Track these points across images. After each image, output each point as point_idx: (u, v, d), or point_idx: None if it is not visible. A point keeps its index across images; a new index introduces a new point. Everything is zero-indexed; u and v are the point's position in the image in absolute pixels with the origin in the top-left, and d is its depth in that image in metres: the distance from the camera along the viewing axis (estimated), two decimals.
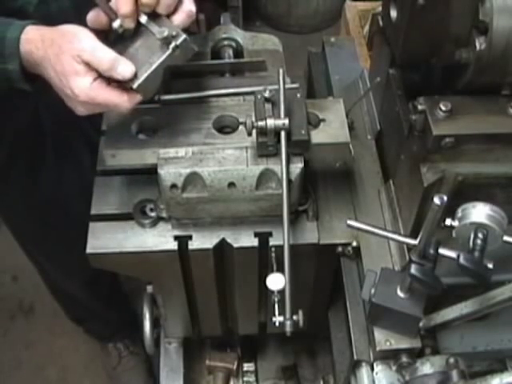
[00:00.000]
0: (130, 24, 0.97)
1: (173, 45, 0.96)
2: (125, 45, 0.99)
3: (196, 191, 1.07)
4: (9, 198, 1.51)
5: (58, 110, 1.36)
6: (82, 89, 0.95)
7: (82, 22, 1.23)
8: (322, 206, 1.20)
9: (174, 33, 0.96)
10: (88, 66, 0.94)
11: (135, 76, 0.95)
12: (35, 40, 0.98)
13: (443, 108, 0.96)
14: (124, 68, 0.95)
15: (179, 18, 1.00)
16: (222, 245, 1.14)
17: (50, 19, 1.17)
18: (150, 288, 1.40)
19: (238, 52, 1.36)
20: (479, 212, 0.90)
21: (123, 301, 2.17)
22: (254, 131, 1.02)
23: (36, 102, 1.34)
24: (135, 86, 0.96)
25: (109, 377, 2.26)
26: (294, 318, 1.00)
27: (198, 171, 1.04)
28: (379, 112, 1.30)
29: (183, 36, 0.97)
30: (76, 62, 0.93)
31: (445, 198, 0.82)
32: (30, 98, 1.29)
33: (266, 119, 1.01)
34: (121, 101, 0.97)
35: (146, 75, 0.96)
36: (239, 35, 1.35)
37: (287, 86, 1.09)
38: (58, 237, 1.61)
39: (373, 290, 1.01)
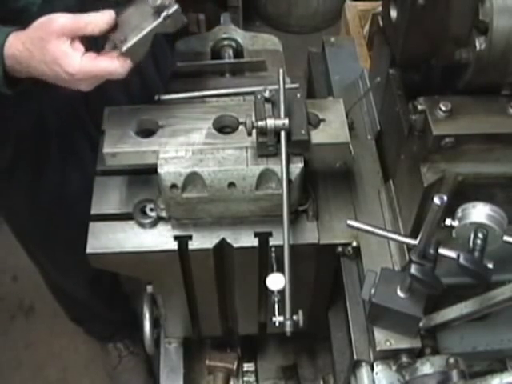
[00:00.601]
0: None
1: (164, 14, 0.99)
2: (119, 11, 1.01)
3: (196, 191, 1.07)
4: (12, 198, 1.51)
5: (61, 110, 1.37)
6: (75, 66, 0.97)
7: None
8: (322, 206, 1.20)
9: (166, 2, 0.98)
10: (73, 42, 0.97)
11: (125, 40, 0.98)
12: (15, 44, 1.00)
13: (443, 108, 0.96)
14: (104, 18, 0.98)
15: None
16: (222, 245, 1.14)
17: None
18: (149, 288, 1.39)
19: (238, 52, 1.36)
20: (479, 212, 0.90)
21: (123, 301, 2.17)
22: (254, 131, 1.02)
23: (40, 103, 1.34)
24: (124, 49, 0.98)
25: (109, 377, 2.26)
26: (294, 318, 1.00)
27: (198, 171, 1.04)
28: (379, 112, 1.30)
29: (175, 6, 0.99)
30: (62, 42, 0.96)
31: (445, 198, 0.82)
32: (34, 99, 1.29)
33: (266, 119, 1.01)
34: (114, 67, 0.99)
35: (134, 40, 0.99)
36: (239, 35, 1.35)
37: (287, 86, 1.09)
38: (59, 237, 1.61)
39: (373, 290, 1.01)
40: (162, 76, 1.49)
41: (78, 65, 0.97)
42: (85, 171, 1.35)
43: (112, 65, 0.99)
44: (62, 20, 0.97)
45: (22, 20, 1.07)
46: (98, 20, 0.98)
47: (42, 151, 1.42)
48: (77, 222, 1.20)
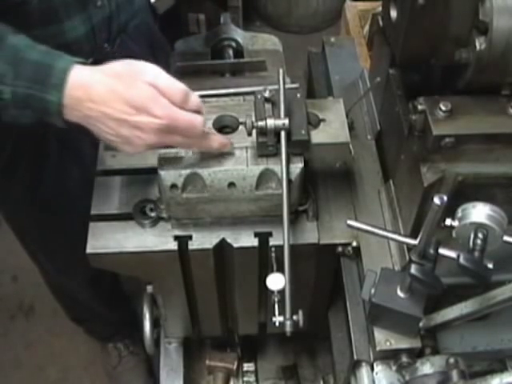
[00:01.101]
0: None
1: None
2: None
3: (196, 191, 1.07)
4: (12, 195, 1.51)
5: None
6: (164, 108, 0.91)
7: (87, 14, 1.22)
8: (322, 206, 1.20)
9: None
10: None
11: None
12: (94, 76, 0.92)
13: (443, 108, 0.96)
14: (195, 99, 0.95)
15: None
16: (222, 245, 1.14)
17: (54, 12, 1.17)
18: (149, 288, 1.39)
19: (238, 52, 1.36)
20: (479, 212, 0.90)
21: (124, 301, 2.17)
22: (254, 131, 1.02)
23: None
24: None
25: (109, 377, 2.26)
26: (294, 318, 1.00)
27: (198, 171, 1.04)
28: (379, 112, 1.30)
29: None
30: (151, 86, 0.91)
31: (445, 198, 0.82)
32: None
33: (266, 119, 1.01)
34: (197, 122, 0.94)
35: None
36: (239, 35, 1.35)
37: (287, 86, 1.09)
38: (59, 235, 1.60)
39: (373, 290, 1.01)
40: (159, 66, 1.49)
41: (168, 108, 0.91)
42: (84, 167, 1.34)
43: (196, 119, 0.95)
44: (158, 73, 0.93)
45: (21, 13, 1.06)
46: (191, 103, 0.94)
47: (41, 147, 1.42)
48: (76, 220, 1.20)
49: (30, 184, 1.46)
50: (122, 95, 0.90)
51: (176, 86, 0.94)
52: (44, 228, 1.59)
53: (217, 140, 1.02)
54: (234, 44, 1.36)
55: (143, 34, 1.47)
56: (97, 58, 1.31)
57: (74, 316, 2.19)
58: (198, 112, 0.96)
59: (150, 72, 0.93)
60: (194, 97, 0.96)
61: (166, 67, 1.43)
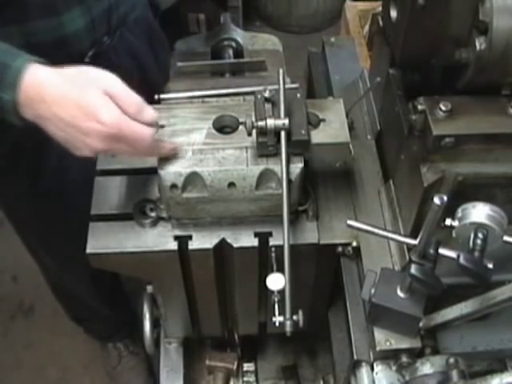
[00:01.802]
0: None
1: None
2: None
3: (196, 191, 1.07)
4: (13, 190, 1.50)
5: None
6: (114, 117, 0.90)
7: (86, 6, 1.21)
8: (322, 206, 1.20)
9: None
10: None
11: None
12: (49, 77, 0.92)
13: (443, 108, 0.96)
14: (150, 113, 0.95)
15: None
16: (222, 245, 1.14)
17: (53, 4, 1.16)
18: (149, 288, 1.39)
19: (238, 52, 1.36)
20: (479, 212, 0.90)
21: (124, 300, 2.17)
22: (254, 131, 1.02)
23: None
24: None
25: (109, 377, 2.26)
26: (294, 318, 1.00)
27: (198, 171, 1.04)
28: (379, 112, 1.30)
29: None
30: (104, 93, 0.91)
31: (445, 198, 0.82)
32: None
33: (266, 119, 1.00)
34: (146, 135, 0.94)
35: None
36: (239, 35, 1.35)
37: (287, 86, 1.09)
38: (59, 230, 1.60)
39: (373, 290, 1.01)
40: (161, 69, 1.49)
41: (117, 116, 0.91)
42: (86, 161, 1.35)
43: (144, 130, 0.94)
44: (114, 81, 0.93)
45: (19, 5, 1.06)
46: (145, 116, 0.94)
47: (43, 138, 1.42)
48: (77, 216, 1.20)
49: (30, 173, 1.45)
50: (73, 100, 0.91)
51: (131, 97, 0.94)
52: (44, 223, 1.59)
53: (165, 147, 1.03)
54: (234, 44, 1.36)
55: (142, 28, 1.47)
56: (97, 51, 1.31)
57: (74, 315, 2.19)
58: (151, 125, 0.96)
59: (106, 80, 0.93)
60: (150, 110, 0.96)
61: (165, 62, 1.43)
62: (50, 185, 1.47)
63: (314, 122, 1.09)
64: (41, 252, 1.76)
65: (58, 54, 1.15)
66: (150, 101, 1.22)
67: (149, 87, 1.19)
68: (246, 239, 1.14)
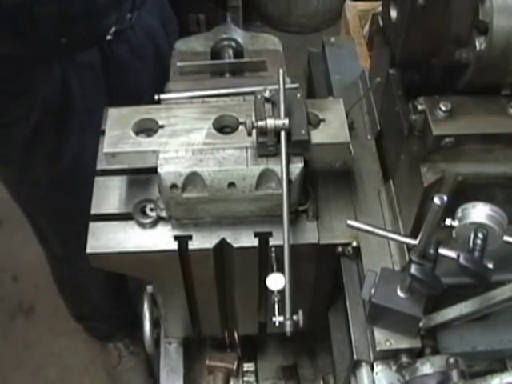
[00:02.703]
0: None
1: None
2: None
3: (196, 191, 1.07)
4: (31, 173, 1.51)
5: (85, 76, 1.37)
6: None
7: None
8: (322, 206, 1.20)
9: None
10: None
11: None
12: None
13: (443, 108, 0.96)
14: None
15: None
16: (222, 245, 1.14)
17: None
18: (150, 288, 1.39)
19: (238, 52, 1.36)
20: (479, 212, 0.90)
21: (127, 299, 2.17)
22: (254, 131, 1.02)
23: (65, 68, 1.34)
24: None
25: (109, 377, 2.27)
26: (294, 317, 1.00)
27: (198, 171, 1.04)
28: (379, 112, 1.30)
29: None
30: None
31: (445, 198, 0.82)
32: (59, 64, 1.30)
33: (266, 119, 1.00)
34: None
35: None
36: (239, 35, 1.35)
37: (287, 85, 1.09)
38: (73, 218, 1.59)
39: (373, 290, 1.01)
40: (170, 40, 1.52)
41: None
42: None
43: None
44: None
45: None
46: None
47: (63, 118, 1.43)
48: (89, 202, 1.20)
49: (50, 155, 1.47)
50: None
51: None
52: (59, 209, 1.59)
53: None
54: (234, 44, 1.36)
55: (157, 8, 1.52)
56: (118, 28, 1.36)
57: (76, 312, 2.19)
58: None
59: None
60: None
61: (173, 31, 1.45)
62: (67, 170, 1.48)
63: (314, 122, 1.09)
64: (52, 240, 1.74)
65: (86, 26, 1.21)
66: (163, 80, 1.24)
67: (163, 67, 1.21)
68: (246, 239, 1.14)
